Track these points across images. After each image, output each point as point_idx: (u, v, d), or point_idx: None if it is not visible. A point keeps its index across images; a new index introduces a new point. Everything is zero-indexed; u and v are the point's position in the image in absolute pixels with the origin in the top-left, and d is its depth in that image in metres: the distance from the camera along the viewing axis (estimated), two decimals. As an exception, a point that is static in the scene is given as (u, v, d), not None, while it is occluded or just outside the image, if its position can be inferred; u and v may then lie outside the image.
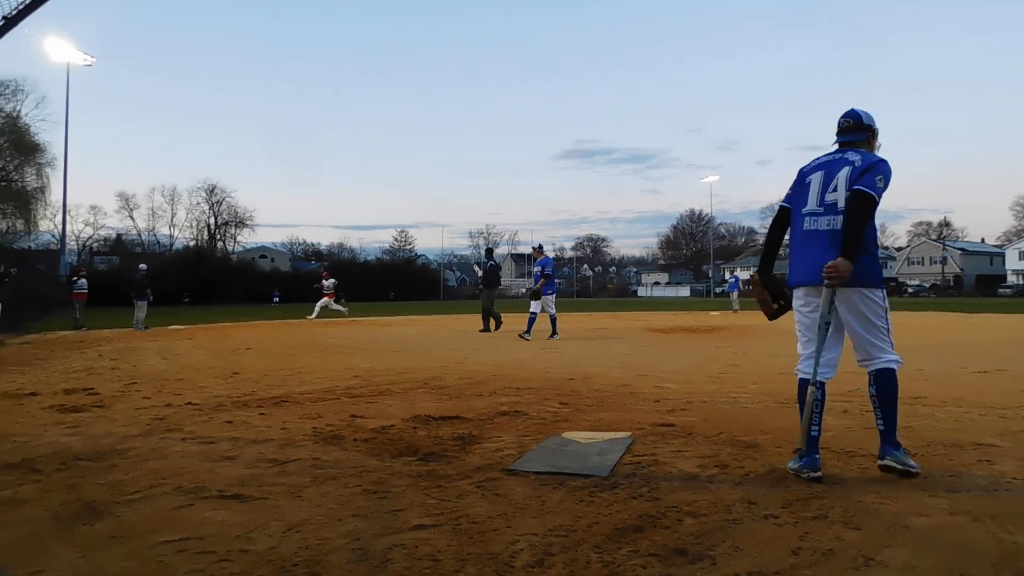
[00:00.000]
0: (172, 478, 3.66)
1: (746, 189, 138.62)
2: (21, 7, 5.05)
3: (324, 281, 25.66)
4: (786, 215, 3.90)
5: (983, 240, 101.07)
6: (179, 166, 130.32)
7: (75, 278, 21.46)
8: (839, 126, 3.88)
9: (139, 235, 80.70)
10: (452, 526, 2.87)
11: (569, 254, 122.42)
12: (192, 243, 77.81)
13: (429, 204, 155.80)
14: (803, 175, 3.83)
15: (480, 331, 16.38)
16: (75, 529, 2.90)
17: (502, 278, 22.41)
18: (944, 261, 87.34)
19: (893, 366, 3.67)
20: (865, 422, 5.01)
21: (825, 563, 2.46)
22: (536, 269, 15.11)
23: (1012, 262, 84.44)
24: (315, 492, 3.41)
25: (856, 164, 3.61)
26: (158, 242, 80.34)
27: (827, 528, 2.80)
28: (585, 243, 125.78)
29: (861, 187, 3.51)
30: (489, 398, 6.41)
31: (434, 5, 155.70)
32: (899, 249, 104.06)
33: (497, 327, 16.58)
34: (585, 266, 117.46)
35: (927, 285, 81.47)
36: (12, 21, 5.11)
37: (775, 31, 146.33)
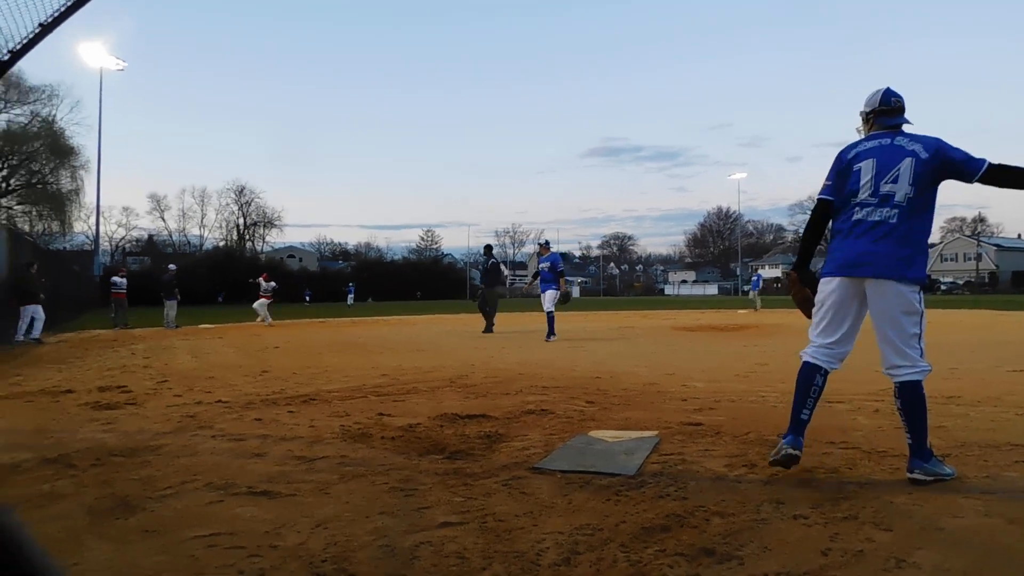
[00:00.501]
0: (203, 474, 3.72)
1: (774, 186, 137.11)
2: (57, 14, 5.15)
3: (263, 283, 23.20)
4: (827, 209, 3.71)
5: (1020, 236, 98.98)
6: (209, 167, 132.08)
7: (114, 277, 21.56)
8: (890, 104, 3.66)
9: (170, 236, 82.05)
10: (478, 524, 2.88)
11: (595, 252, 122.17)
12: (222, 243, 78.95)
13: (456, 204, 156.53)
14: (848, 162, 3.62)
15: (484, 332, 15.79)
16: (109, 523, 2.96)
17: (506, 278, 21.98)
18: (979, 258, 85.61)
19: (920, 377, 3.44)
20: (896, 421, 4.93)
21: (855, 564, 2.43)
22: (544, 266, 14.24)
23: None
24: (343, 489, 3.44)
25: (921, 155, 3.45)
26: (188, 243, 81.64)
27: (857, 529, 2.76)
28: (611, 241, 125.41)
29: (984, 160, 3.43)
30: (515, 396, 6.42)
31: (462, 4, 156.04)
32: (931, 245, 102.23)
33: (487, 329, 15.81)
34: (611, 264, 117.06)
35: (961, 282, 79.93)
36: (48, 28, 5.20)
37: (803, 26, 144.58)
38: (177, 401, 6.35)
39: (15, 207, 45.87)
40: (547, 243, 15.03)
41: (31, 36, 5.49)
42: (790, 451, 3.49)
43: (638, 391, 6.72)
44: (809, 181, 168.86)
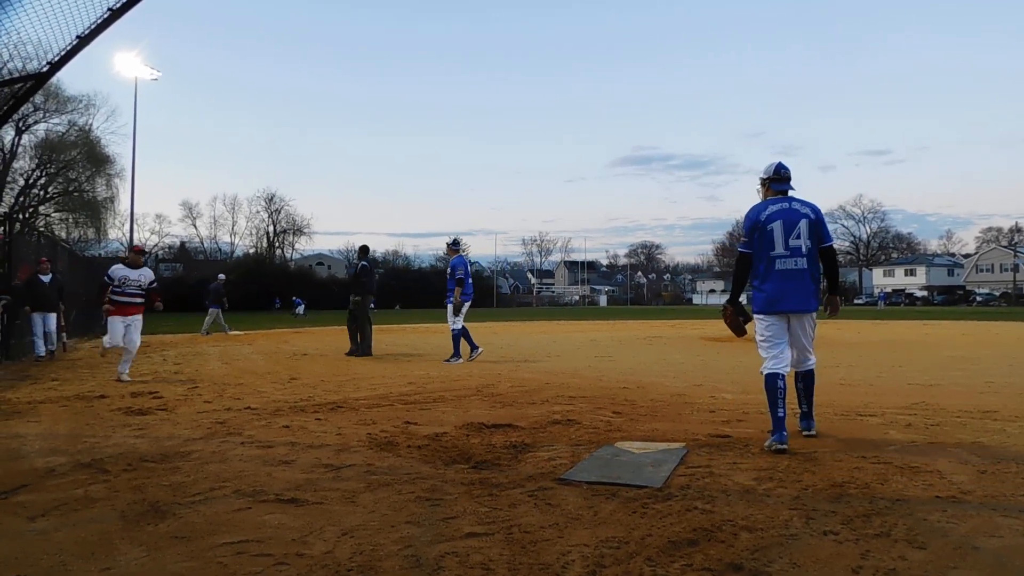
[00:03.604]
0: (232, 481, 3.76)
1: (807, 195, 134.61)
2: (94, 27, 5.27)
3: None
4: (749, 260, 4.87)
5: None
6: (240, 176, 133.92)
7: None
8: (781, 174, 4.91)
9: (201, 243, 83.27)
10: (504, 535, 2.87)
11: (623, 261, 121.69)
12: (252, 250, 79.92)
13: (484, 212, 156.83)
14: (762, 223, 4.76)
15: (347, 353, 12.59)
16: (140, 528, 3.00)
17: (376, 282, 14.41)
18: (1016, 268, 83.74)
19: (814, 367, 4.96)
20: (931, 436, 4.85)
21: (888, 583, 2.38)
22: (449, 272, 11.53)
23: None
24: (369, 498, 3.45)
25: (811, 217, 4.77)
26: (219, 250, 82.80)
27: (890, 547, 2.71)
28: (639, 250, 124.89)
29: (830, 243, 4.90)
30: (542, 406, 6.40)
31: (491, 15, 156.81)
32: (967, 256, 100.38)
33: (362, 351, 12.44)
34: (639, 273, 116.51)
35: (997, 293, 78.29)
36: (85, 40, 5.33)
37: (839, 36, 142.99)
38: (207, 407, 6.43)
39: (52, 214, 46.85)
40: (455, 243, 12.27)
41: (69, 48, 5.63)
42: (780, 446, 4.41)
43: (665, 402, 6.67)
44: (842, 190, 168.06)
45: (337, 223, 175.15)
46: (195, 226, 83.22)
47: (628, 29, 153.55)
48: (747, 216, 4.95)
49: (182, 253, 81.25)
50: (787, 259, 4.70)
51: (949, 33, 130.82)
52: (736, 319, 5.07)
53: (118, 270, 9.10)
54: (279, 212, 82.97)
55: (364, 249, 13.66)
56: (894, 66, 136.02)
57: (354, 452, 4.50)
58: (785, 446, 4.39)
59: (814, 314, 4.82)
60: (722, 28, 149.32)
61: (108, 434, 5.17)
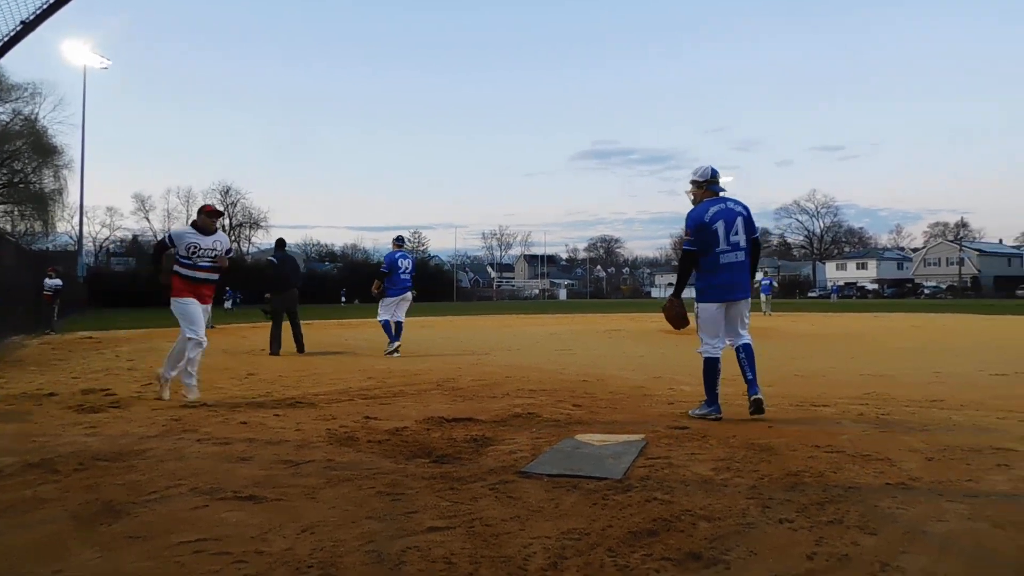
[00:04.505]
0: (189, 479, 3.69)
1: (763, 189, 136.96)
2: (39, 12, 5.10)
3: (47, 280, 19.81)
4: (695, 256, 5.34)
5: (1001, 241, 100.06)
6: (195, 167, 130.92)
7: (45, 279, 19.70)
8: (716, 177, 5.51)
9: (155, 236, 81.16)
10: (466, 528, 2.88)
11: (582, 255, 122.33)
12: (208, 244, 78.33)
13: (444, 205, 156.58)
14: (707, 223, 5.25)
15: (270, 354, 11.66)
16: (94, 529, 2.93)
17: (290, 277, 12.16)
18: (961, 262, 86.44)
19: (751, 340, 5.46)
20: (881, 425, 4.98)
21: (841, 568, 2.44)
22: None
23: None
24: (330, 494, 3.42)
25: (744, 214, 5.35)
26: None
27: (843, 533, 2.78)
28: (599, 244, 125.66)
29: (757, 235, 5.48)
30: (503, 400, 6.42)
31: (454, 11, 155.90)
32: (915, 250, 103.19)
33: (274, 349, 11.70)
34: (599, 267, 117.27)
35: (943, 286, 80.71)
36: (30, 25, 5.16)
37: (797, 29, 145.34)
38: (163, 404, 6.30)
39: (-4, 206, 45.43)
40: (397, 239, 12.22)
41: (13, 34, 5.44)
42: (718, 415, 5.26)
43: (625, 394, 6.74)
44: (798, 185, 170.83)
45: (295, 216, 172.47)
46: (148, 219, 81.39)
47: (588, 24, 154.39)
48: (691, 217, 5.38)
49: (135, 247, 79.30)
50: (730, 253, 5.27)
51: (903, 30, 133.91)
52: (681, 311, 5.52)
53: (185, 235, 6.73)
54: (235, 205, 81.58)
55: (280, 243, 13.23)
56: (850, 62, 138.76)
57: (314, 448, 4.46)
58: (721, 416, 5.24)
59: (749, 299, 5.47)
60: (682, 24, 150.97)
61: (58, 433, 5.03)
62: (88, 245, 67.57)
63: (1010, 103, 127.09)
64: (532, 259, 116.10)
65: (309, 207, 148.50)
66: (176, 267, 6.67)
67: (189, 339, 6.58)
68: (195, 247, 6.64)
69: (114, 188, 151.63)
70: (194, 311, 6.61)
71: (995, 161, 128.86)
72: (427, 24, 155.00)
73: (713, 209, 5.31)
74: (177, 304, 6.64)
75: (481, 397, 6.63)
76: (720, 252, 5.26)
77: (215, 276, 6.87)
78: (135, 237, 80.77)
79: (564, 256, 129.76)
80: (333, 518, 3.03)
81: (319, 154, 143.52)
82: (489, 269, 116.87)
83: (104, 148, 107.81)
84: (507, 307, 49.06)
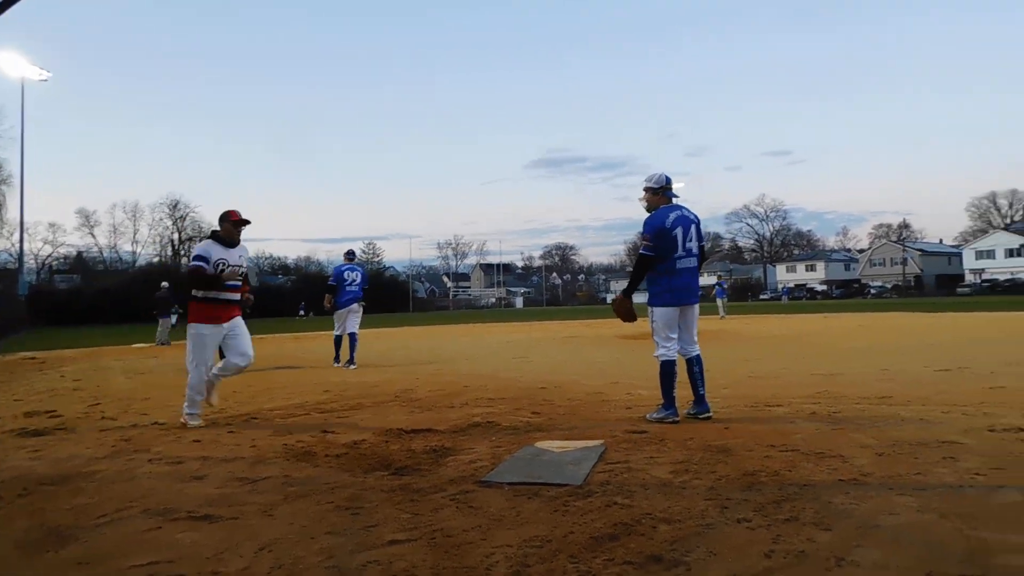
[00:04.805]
0: (140, 500, 3.59)
1: (713, 195, 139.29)
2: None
3: None
4: (653, 261, 5.42)
5: (941, 241, 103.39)
6: (142, 181, 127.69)
7: None
8: (670, 184, 5.64)
9: (100, 252, 79.07)
10: (427, 540, 2.85)
11: (538, 263, 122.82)
12: (156, 259, 76.52)
13: (399, 216, 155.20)
14: (667, 229, 5.39)
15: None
16: (40, 556, 2.83)
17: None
18: (904, 262, 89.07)
19: (700, 351, 5.60)
20: (833, 423, 5.09)
21: (798, 565, 2.49)
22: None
23: (969, 262, 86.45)
24: (287, 510, 3.36)
25: (696, 222, 5.56)
26: (120, 259, 78.79)
27: (799, 530, 2.83)
28: (554, 251, 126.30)
29: (703, 244, 5.67)
30: (462, 409, 6.39)
31: (406, 17, 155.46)
32: (861, 251, 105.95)
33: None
34: (554, 275, 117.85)
35: (889, 286, 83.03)
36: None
37: (745, 37, 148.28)
38: (111, 424, 6.12)
39: (-70, 224, 43.72)
40: (347, 252, 12.32)
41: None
42: (676, 419, 5.34)
43: (583, 400, 6.77)
44: (748, 190, 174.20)
45: (247, 229, 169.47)
46: (93, 235, 78.94)
47: (541, 32, 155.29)
48: (650, 223, 5.47)
49: (79, 263, 76.97)
50: (686, 259, 5.45)
51: (845, 36, 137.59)
52: (631, 307, 5.62)
53: (212, 251, 5.97)
54: (184, 219, 79.83)
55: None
56: (796, 69, 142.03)
57: (270, 464, 4.38)
58: (678, 419, 5.33)
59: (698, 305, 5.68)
60: (632, 31, 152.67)
61: (0, 458, 4.85)
62: (30, 262, 65.38)
63: (948, 107, 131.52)
64: (488, 268, 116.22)
65: (262, 219, 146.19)
66: (195, 290, 6.00)
67: (190, 372, 6.04)
68: (223, 264, 5.96)
69: (57, 203, 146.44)
70: (208, 343, 5.98)
71: (934, 164, 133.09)
72: (378, 32, 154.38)
73: (673, 215, 5.44)
74: (193, 331, 5.96)
75: (440, 407, 6.60)
76: (678, 257, 5.40)
77: (238, 296, 6.19)
78: (79, 253, 78.34)
79: (520, 264, 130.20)
80: (291, 535, 2.98)
81: (271, 166, 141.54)
82: (445, 279, 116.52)
83: (45, 162, 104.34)
84: (464, 316, 48.98)
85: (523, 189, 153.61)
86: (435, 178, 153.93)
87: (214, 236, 6.14)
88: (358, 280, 11.83)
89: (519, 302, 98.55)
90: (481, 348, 15.74)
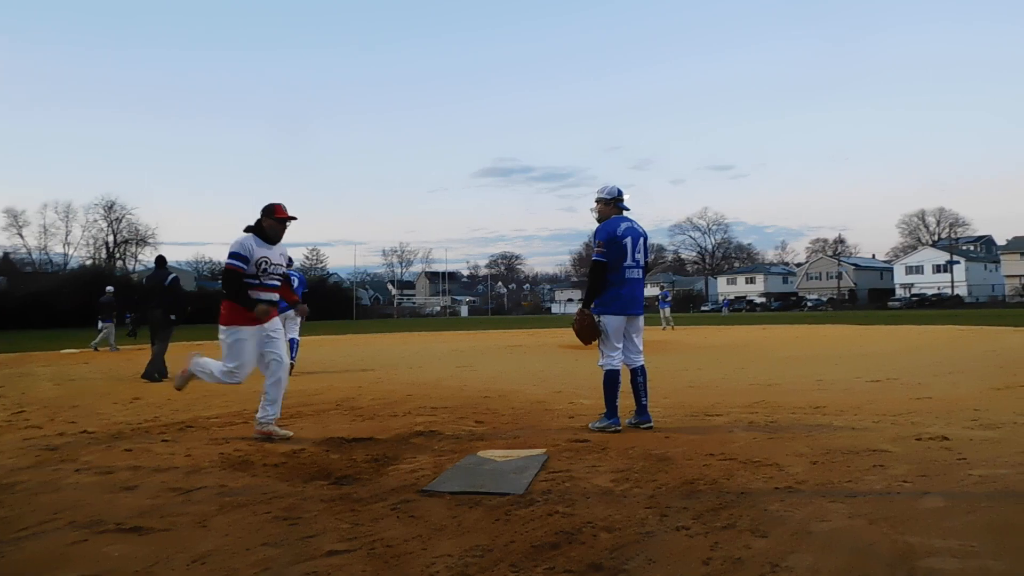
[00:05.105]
0: (66, 512, 3.45)
1: (657, 207, 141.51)
2: None
3: None
4: (606, 268, 5.45)
5: (874, 256, 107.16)
6: (75, 181, 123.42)
7: None
8: (621, 196, 5.71)
9: (29, 254, 76.01)
10: (367, 550, 2.81)
11: (484, 272, 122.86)
12: (88, 262, 73.90)
13: (343, 222, 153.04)
14: (618, 238, 5.46)
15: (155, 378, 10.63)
16: (-45, 571, 2.70)
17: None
18: (839, 276, 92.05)
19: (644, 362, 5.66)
20: (770, 432, 5.21)
21: (735, 571, 2.53)
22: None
23: (900, 277, 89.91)
24: (223, 521, 3.28)
25: (646, 236, 5.67)
26: (51, 261, 75.88)
27: (736, 537, 2.88)
28: (500, 261, 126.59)
29: (648, 259, 5.77)
30: (404, 418, 6.34)
31: (358, 25, 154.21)
32: (799, 265, 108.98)
33: (155, 374, 10.73)
34: (499, 283, 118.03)
35: (825, 299, 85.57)
36: None
37: (688, 52, 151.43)
38: (36, 433, 5.87)
39: None
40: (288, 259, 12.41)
41: None
42: (618, 428, 5.39)
43: (526, 409, 6.78)
44: (691, 203, 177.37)
45: (187, 233, 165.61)
46: (21, 235, 75.89)
47: (490, 41, 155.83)
48: (603, 230, 5.53)
49: (6, 265, 73.85)
50: (634, 269, 5.53)
51: (782, 53, 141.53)
52: (593, 323, 5.48)
53: (253, 248, 5.44)
54: (120, 221, 77.40)
55: (159, 260, 12.24)
56: (737, 84, 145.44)
57: (205, 473, 4.26)
58: (620, 427, 5.39)
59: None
60: (580, 44, 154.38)
61: (-85, 467, 4.61)
62: (-48, 264, 62.46)
63: (881, 126, 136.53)
64: (433, 276, 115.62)
65: (202, 223, 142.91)
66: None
67: (224, 372, 5.51)
68: (266, 262, 5.48)
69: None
70: (247, 347, 5.41)
71: (869, 181, 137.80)
72: (331, 36, 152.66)
73: (623, 225, 5.53)
74: (227, 334, 5.39)
75: (382, 416, 6.53)
76: (627, 267, 5.47)
77: (278, 297, 5.70)
78: (6, 255, 75.17)
79: (466, 273, 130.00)
80: (226, 546, 2.90)
81: (212, 168, 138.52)
82: (390, 286, 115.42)
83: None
84: (408, 324, 48.61)
85: (470, 197, 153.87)
86: (381, 184, 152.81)
87: (254, 231, 5.57)
88: (295, 285, 11.69)
89: (464, 311, 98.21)
90: (425, 356, 15.64)
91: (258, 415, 5.50)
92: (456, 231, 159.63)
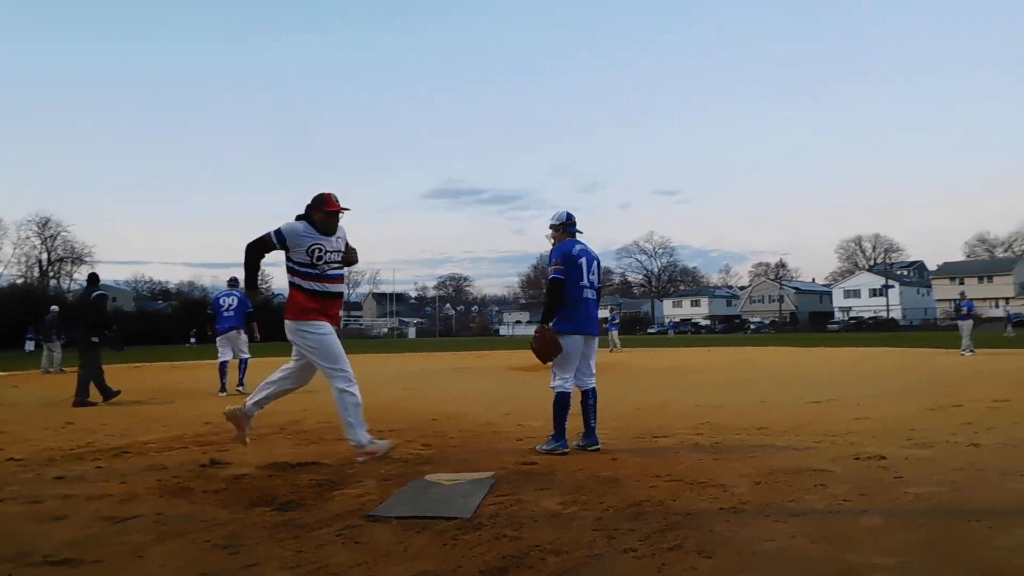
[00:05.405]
0: (-10, 543, 3.29)
1: (606, 231, 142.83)
2: None
3: None
4: (564, 285, 5.47)
5: (814, 280, 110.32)
6: (6, 197, 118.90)
7: None
8: (572, 220, 5.80)
9: (-47, 273, 72.94)
10: (310, 579, 2.74)
11: (432, 293, 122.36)
12: (20, 280, 71.18)
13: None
14: (575, 257, 5.55)
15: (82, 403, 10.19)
16: None
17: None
18: (781, 299, 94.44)
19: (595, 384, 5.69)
20: (715, 452, 5.28)
21: (681, 593, 2.54)
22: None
23: (838, 300, 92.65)
24: (159, 551, 3.16)
25: (598, 259, 5.81)
26: (-21, 279, 72.91)
27: (683, 558, 2.90)
28: (448, 282, 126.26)
29: (600, 285, 5.80)
30: (350, 442, 6.22)
31: (311, 40, 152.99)
32: (742, 288, 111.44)
33: (104, 394, 10.56)
34: (448, 305, 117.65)
35: (767, 322, 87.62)
36: None
37: (631, 76, 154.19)
38: (-40, 460, 5.59)
39: None
40: (230, 280, 12.57)
41: None
42: (565, 450, 5.38)
43: (475, 432, 6.75)
44: (638, 226, 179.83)
45: (126, 252, 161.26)
46: (-56, 253, 72.93)
47: (442, 61, 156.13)
48: (559, 249, 5.62)
49: (-71, 283, 70.73)
50: (588, 290, 5.60)
51: (731, 79, 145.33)
52: (554, 339, 5.41)
53: (302, 235, 5.05)
54: (55, 238, 74.91)
55: (91, 278, 11.90)
56: (684, 110, 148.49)
57: (141, 501, 4.11)
58: (568, 450, 5.39)
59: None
60: (532, 66, 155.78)
61: None
62: None
63: (821, 153, 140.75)
64: (381, 297, 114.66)
65: (142, 242, 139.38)
66: (296, 279, 5.11)
67: (342, 390, 5.19)
68: (320, 250, 5.05)
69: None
70: (334, 342, 5.08)
71: (809, 207, 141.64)
72: (281, 53, 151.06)
73: (578, 247, 5.65)
74: (308, 333, 5.01)
75: (327, 440, 6.41)
76: (583, 286, 5.56)
77: (343, 289, 5.18)
78: (-70, 273, 72.03)
79: (414, 294, 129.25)
80: (162, 577, 2.80)
81: (155, 186, 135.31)
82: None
83: None
84: (355, 346, 47.95)
85: (420, 218, 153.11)
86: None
87: (307, 220, 5.15)
88: (235, 305, 11.90)
89: (412, 332, 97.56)
90: (372, 378, 15.44)
91: (358, 440, 5.11)
92: (405, 252, 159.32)
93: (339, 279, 5.26)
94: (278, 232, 5.02)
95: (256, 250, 5.09)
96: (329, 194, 5.19)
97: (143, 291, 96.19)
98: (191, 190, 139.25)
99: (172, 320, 63.12)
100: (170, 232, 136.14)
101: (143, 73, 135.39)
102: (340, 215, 5.21)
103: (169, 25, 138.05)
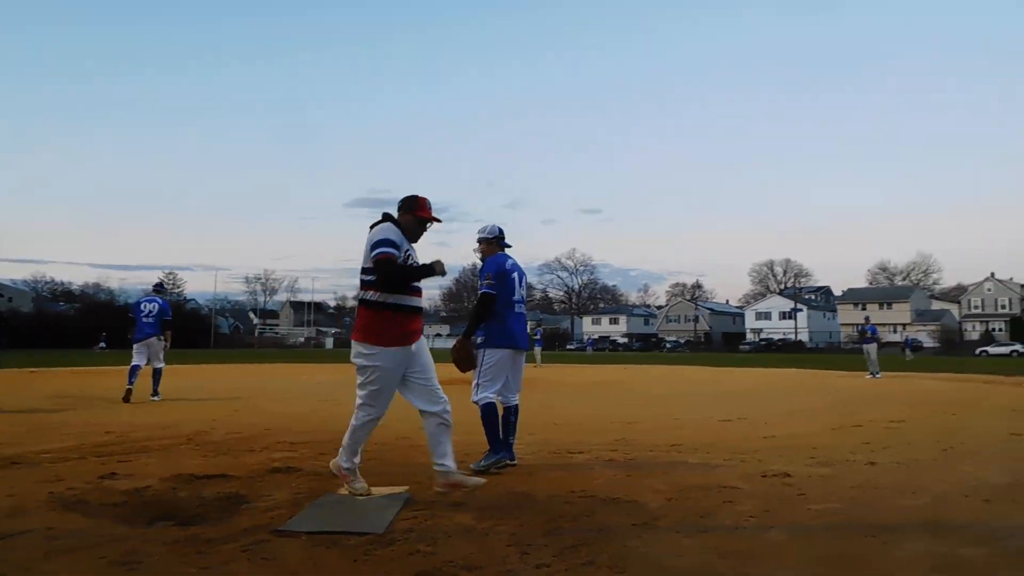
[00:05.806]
0: None
1: (529, 246, 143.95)
2: None
3: None
4: (495, 300, 5.44)
5: (728, 302, 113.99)
6: None
7: None
8: (503, 234, 5.80)
9: None
10: (213, 596, 2.64)
11: (351, 303, 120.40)
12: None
13: (204, 246, 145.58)
14: (507, 272, 5.56)
15: None
16: None
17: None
18: (696, 320, 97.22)
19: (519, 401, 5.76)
20: (629, 469, 5.37)
21: (592, 608, 2.56)
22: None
23: (750, 322, 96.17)
24: (49, 568, 2.98)
25: (525, 275, 5.88)
26: None
27: (595, 573, 2.92)
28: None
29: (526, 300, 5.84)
30: (261, 454, 6.05)
31: (235, 47, 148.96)
32: (659, 308, 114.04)
33: None
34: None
35: (682, 341, 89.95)
36: None
37: (559, 93, 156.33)
38: None
39: None
40: (155, 285, 12.27)
41: None
42: (512, 462, 5.48)
43: (391, 445, 6.65)
44: (561, 243, 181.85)
45: (22, 249, 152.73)
46: None
47: (368, 70, 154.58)
48: (493, 262, 5.58)
49: None
50: (519, 304, 5.68)
51: (652, 101, 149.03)
52: (471, 353, 5.36)
53: (401, 240, 4.39)
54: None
55: None
56: (606, 129, 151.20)
57: (31, 515, 3.87)
58: (514, 462, 5.47)
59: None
60: (456, 76, 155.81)
61: None
62: None
63: (733, 178, 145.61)
64: (299, 306, 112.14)
65: (42, 239, 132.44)
66: (376, 293, 4.37)
67: (434, 415, 4.71)
68: (411, 259, 4.46)
69: None
70: (396, 376, 4.67)
71: (724, 230, 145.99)
72: (204, 58, 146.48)
73: (510, 261, 5.68)
74: (374, 359, 4.45)
75: (237, 451, 6.20)
76: (515, 301, 5.60)
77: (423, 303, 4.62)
78: None
79: (332, 304, 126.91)
80: (51, 596, 2.64)
81: (56, 179, 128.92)
82: (252, 315, 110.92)
83: None
84: (270, 355, 46.75)
85: (342, 227, 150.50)
86: (248, 210, 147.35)
87: (392, 221, 4.54)
88: (155, 312, 11.57)
89: (330, 343, 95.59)
90: (287, 389, 15.08)
91: (445, 465, 4.46)
92: (325, 261, 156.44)
93: (420, 292, 4.61)
94: (390, 242, 4.32)
95: (394, 267, 4.32)
96: (424, 198, 4.70)
97: (43, 292, 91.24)
98: (96, 188, 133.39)
99: (75, 323, 60.22)
100: (74, 231, 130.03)
101: (54, 66, 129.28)
102: (428, 226, 4.73)
103: (58, 9, 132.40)
